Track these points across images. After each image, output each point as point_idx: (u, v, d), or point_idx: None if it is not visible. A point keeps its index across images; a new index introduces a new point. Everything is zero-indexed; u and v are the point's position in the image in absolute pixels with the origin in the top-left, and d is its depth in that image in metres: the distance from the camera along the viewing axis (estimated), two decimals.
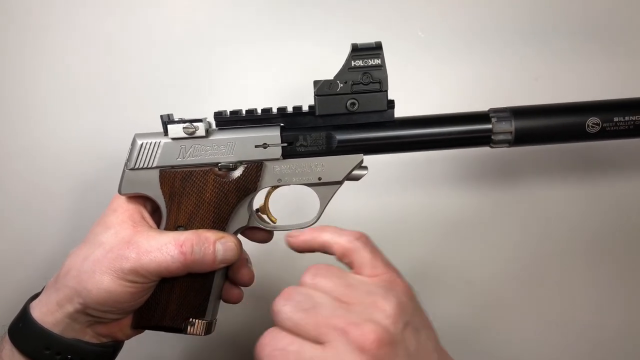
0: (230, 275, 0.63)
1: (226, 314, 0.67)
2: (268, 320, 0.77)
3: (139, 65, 0.75)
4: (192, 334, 0.60)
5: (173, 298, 0.58)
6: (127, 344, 0.62)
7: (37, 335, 0.54)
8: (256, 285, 0.64)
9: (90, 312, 0.54)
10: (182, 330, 0.59)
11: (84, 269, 0.54)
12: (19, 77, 0.75)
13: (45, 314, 0.54)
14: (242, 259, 0.63)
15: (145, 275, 0.53)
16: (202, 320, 0.59)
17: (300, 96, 0.62)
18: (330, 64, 0.58)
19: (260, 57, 0.75)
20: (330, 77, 0.56)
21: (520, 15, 0.74)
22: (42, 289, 0.58)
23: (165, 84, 0.75)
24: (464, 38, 0.75)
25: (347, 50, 0.56)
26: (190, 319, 0.59)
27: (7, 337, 0.55)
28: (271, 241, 0.64)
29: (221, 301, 0.63)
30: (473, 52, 0.75)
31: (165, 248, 0.53)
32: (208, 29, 0.75)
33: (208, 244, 0.55)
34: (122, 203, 0.58)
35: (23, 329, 0.55)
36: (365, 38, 0.57)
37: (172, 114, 0.59)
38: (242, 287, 0.64)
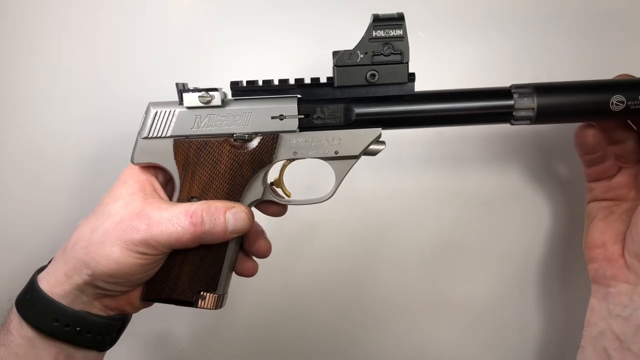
0: (246, 247, 0.62)
1: (236, 290, 0.66)
2: (279, 297, 0.79)
3: (153, 38, 0.74)
4: (203, 308, 0.59)
5: (185, 270, 0.57)
6: (134, 320, 0.61)
7: (45, 306, 0.53)
8: (267, 260, 0.63)
9: (98, 284, 0.54)
10: (192, 303, 0.59)
11: (93, 239, 0.53)
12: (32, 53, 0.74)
13: (54, 285, 0.54)
14: (257, 230, 0.62)
15: (155, 246, 0.53)
16: (214, 293, 0.59)
17: (315, 70, 0.61)
18: (345, 39, 0.57)
19: (275, 30, 0.73)
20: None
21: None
22: (50, 261, 0.58)
23: (178, 59, 0.74)
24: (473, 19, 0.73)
25: (363, 23, 0.54)
26: (202, 292, 0.58)
27: (14, 310, 0.55)
28: (284, 215, 0.63)
29: (233, 274, 0.62)
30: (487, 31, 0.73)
31: (176, 219, 0.53)
32: (222, 3, 0.73)
33: (218, 214, 0.54)
34: (133, 174, 0.57)
35: (31, 300, 0.54)
36: (382, 10, 0.55)
37: (186, 83, 0.58)
38: (256, 260, 0.64)
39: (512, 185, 0.77)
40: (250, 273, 0.63)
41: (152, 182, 0.58)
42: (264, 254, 0.62)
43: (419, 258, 0.79)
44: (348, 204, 0.75)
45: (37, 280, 0.55)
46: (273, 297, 0.80)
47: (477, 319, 0.81)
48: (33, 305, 0.54)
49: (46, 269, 0.56)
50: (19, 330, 0.54)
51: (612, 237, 0.64)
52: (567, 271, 0.78)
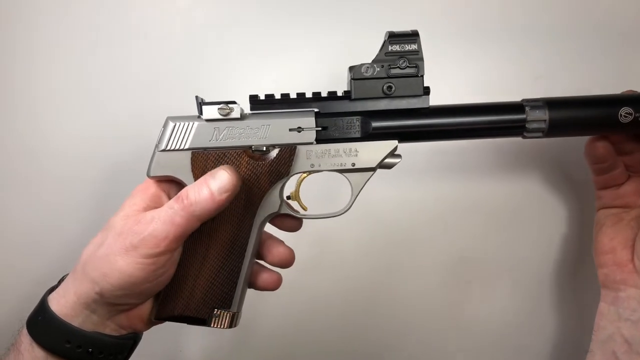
0: (267, 257, 0.61)
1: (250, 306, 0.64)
2: (293, 313, 0.76)
3: (174, 50, 0.75)
4: (216, 327, 0.57)
5: (199, 285, 0.56)
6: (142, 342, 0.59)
7: (57, 328, 0.52)
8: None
9: (108, 300, 0.52)
10: (206, 321, 0.57)
11: (98, 255, 0.52)
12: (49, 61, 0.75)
13: (64, 306, 0.53)
14: (274, 238, 0.61)
15: (156, 242, 0.51)
16: (228, 311, 0.57)
17: (330, 86, 0.62)
18: (359, 56, 0.59)
19: (291, 45, 0.75)
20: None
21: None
22: (59, 281, 0.57)
23: (195, 72, 0.75)
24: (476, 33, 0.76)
25: (377, 41, 0.56)
26: (215, 310, 0.57)
27: (25, 331, 0.53)
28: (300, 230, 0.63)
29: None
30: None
31: (167, 206, 0.53)
32: (238, 18, 0.75)
33: (200, 183, 0.53)
34: (142, 189, 0.57)
35: (42, 322, 0.53)
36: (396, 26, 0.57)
37: (204, 98, 0.59)
38: (279, 271, 0.62)
39: (529, 194, 0.78)
40: (274, 286, 0.61)
41: (160, 197, 0.57)
42: (287, 262, 0.61)
43: (438, 271, 0.79)
44: (364, 219, 0.75)
45: (48, 301, 0.54)
46: (290, 312, 0.79)
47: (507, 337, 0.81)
48: (45, 326, 0.53)
49: (56, 290, 0.55)
50: (30, 352, 0.53)
51: (621, 243, 0.65)
52: (584, 277, 0.78)
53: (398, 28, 0.57)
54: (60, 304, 0.53)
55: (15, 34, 0.74)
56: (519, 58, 0.75)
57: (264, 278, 0.61)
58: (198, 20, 0.75)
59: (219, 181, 0.53)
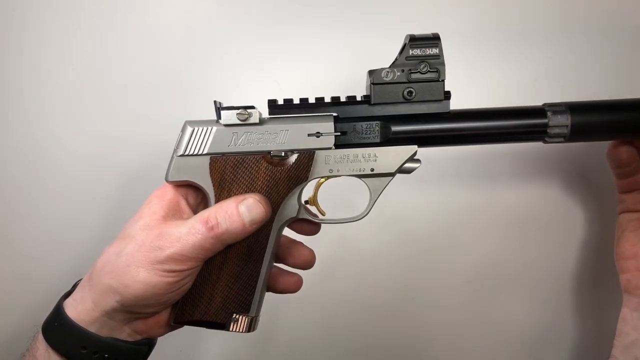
0: (288, 259, 0.61)
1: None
2: (312, 318, 0.76)
3: (185, 57, 0.75)
4: (235, 331, 0.57)
5: (218, 291, 0.56)
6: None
7: (74, 334, 0.52)
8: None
9: (129, 309, 0.52)
10: (224, 326, 0.57)
11: (119, 264, 0.52)
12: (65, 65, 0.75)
13: (81, 312, 0.53)
14: (293, 240, 0.61)
15: (182, 261, 0.52)
16: (246, 316, 0.57)
17: (348, 89, 0.61)
18: (377, 60, 0.58)
19: (309, 49, 0.75)
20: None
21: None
22: (73, 286, 0.57)
23: (211, 77, 0.75)
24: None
25: (396, 45, 0.55)
26: (234, 315, 0.57)
27: (41, 337, 0.53)
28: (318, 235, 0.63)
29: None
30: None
31: (194, 229, 0.52)
32: (254, 21, 0.74)
33: (231, 211, 0.53)
34: (159, 194, 0.57)
35: (59, 328, 0.53)
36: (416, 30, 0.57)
37: (222, 102, 0.58)
38: (300, 272, 0.62)
39: (549, 200, 0.77)
40: (295, 288, 0.62)
41: (178, 202, 0.57)
42: (308, 263, 0.61)
43: (459, 277, 0.79)
44: (385, 224, 0.75)
45: (64, 306, 0.54)
46: (309, 317, 0.79)
47: (510, 334, 0.81)
48: (61, 333, 0.53)
49: (72, 296, 0.55)
50: (46, 358, 0.53)
51: None
52: (605, 282, 0.78)
53: (420, 31, 0.56)
54: (78, 310, 0.53)
55: (24, 35, 0.74)
56: (541, 60, 0.74)
57: (284, 281, 0.61)
58: (202, 21, 0.74)
59: (253, 214, 0.53)
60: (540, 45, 0.73)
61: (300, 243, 0.62)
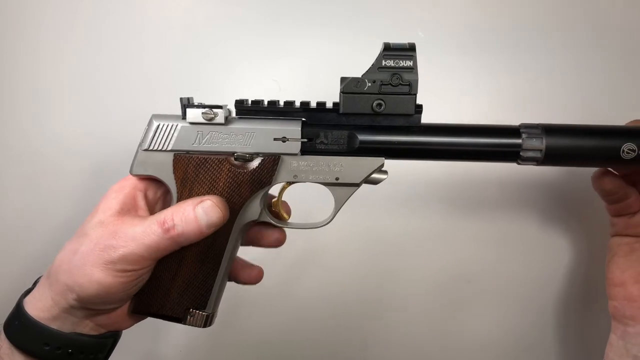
0: (263, 240, 0.62)
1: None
2: (280, 314, 0.77)
3: (155, 56, 0.74)
4: (191, 325, 0.58)
5: (175, 286, 0.57)
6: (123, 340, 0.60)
7: (35, 332, 0.53)
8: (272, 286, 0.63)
9: (87, 306, 0.53)
10: (181, 320, 0.58)
11: (74, 263, 0.52)
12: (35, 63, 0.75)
13: (42, 309, 0.53)
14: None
15: (137, 261, 0.52)
16: (203, 312, 0.58)
17: (320, 94, 0.60)
18: (354, 64, 0.56)
19: (283, 53, 0.73)
20: (357, 75, 0.54)
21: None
22: (34, 283, 0.57)
23: (210, 77, 0.74)
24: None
25: (373, 51, 0.54)
26: (191, 310, 0.58)
27: (3, 336, 0.54)
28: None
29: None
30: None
31: (149, 229, 0.52)
32: (230, 24, 0.73)
33: (188, 213, 0.53)
34: (118, 188, 0.56)
35: (20, 326, 0.53)
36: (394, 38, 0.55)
37: (192, 98, 0.58)
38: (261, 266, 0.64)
39: (533, 220, 0.77)
40: (255, 280, 0.63)
41: (135, 197, 0.56)
42: (282, 241, 0.62)
43: (438, 296, 0.79)
44: (358, 233, 0.75)
45: (24, 304, 0.54)
46: (278, 313, 0.80)
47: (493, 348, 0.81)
48: (22, 330, 0.53)
49: (32, 293, 0.55)
50: (10, 356, 0.53)
51: (632, 277, 0.62)
52: (591, 305, 0.77)
53: (400, 38, 0.54)
54: (38, 308, 0.53)
55: (19, 33, 0.73)
56: (528, 74, 0.72)
57: (245, 273, 0.62)
58: (200, 20, 0.73)
59: (210, 217, 0.53)
60: (528, 59, 0.71)
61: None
